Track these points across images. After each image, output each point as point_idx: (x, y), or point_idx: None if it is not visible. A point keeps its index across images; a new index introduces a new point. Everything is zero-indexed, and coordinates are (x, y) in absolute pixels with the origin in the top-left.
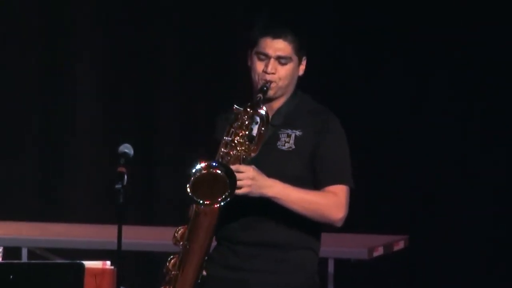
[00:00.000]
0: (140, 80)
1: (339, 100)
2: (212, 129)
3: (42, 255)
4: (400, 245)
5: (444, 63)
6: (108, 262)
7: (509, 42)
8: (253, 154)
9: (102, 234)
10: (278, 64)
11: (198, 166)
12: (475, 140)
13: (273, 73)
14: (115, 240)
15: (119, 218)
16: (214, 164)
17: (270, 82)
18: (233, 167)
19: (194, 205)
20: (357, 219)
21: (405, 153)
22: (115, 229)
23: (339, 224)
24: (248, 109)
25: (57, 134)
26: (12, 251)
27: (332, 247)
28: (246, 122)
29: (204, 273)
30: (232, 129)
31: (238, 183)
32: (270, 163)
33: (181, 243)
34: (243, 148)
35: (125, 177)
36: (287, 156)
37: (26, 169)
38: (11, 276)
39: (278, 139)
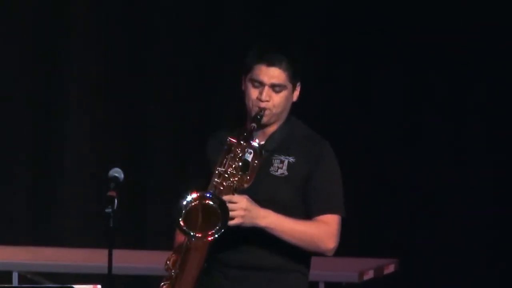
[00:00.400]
0: (130, 104)
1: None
2: (203, 148)
3: (33, 279)
4: (391, 268)
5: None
6: (99, 286)
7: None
8: (246, 185)
9: (93, 258)
10: (272, 91)
11: (189, 197)
12: (462, 160)
13: (267, 101)
14: (106, 264)
15: (110, 242)
16: (206, 195)
17: (264, 109)
18: (226, 197)
19: (185, 237)
20: (348, 242)
21: (396, 176)
22: (105, 253)
23: (330, 254)
24: (242, 142)
25: (48, 159)
26: (3, 275)
27: (323, 271)
28: (240, 154)
29: None
30: (225, 160)
31: (231, 213)
32: (262, 188)
33: (173, 270)
34: (236, 179)
35: (116, 201)
36: (279, 182)
37: (17, 193)
38: None
39: (271, 164)
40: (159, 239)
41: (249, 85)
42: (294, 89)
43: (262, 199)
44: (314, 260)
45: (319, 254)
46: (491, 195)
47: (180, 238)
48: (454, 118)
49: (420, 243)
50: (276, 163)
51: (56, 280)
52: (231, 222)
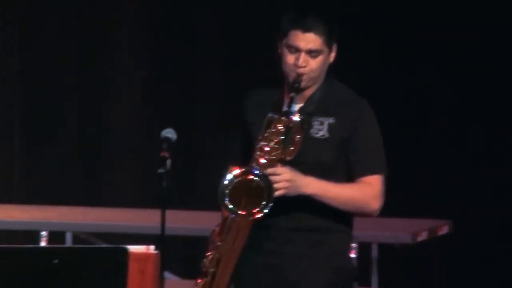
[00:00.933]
0: (183, 66)
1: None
2: (242, 112)
3: (86, 239)
4: (444, 229)
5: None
6: (152, 247)
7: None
8: (289, 158)
9: (146, 218)
10: (309, 56)
11: (232, 174)
12: None
13: (304, 66)
14: (159, 225)
15: (162, 203)
16: (251, 170)
17: (302, 75)
18: (270, 170)
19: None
20: (401, 203)
21: (449, 137)
22: (158, 213)
23: (375, 214)
24: (282, 118)
25: (100, 119)
26: (56, 236)
27: (376, 232)
28: (281, 129)
29: None
30: (267, 135)
31: (275, 185)
32: (303, 151)
33: (218, 243)
34: (278, 152)
35: (168, 161)
36: (320, 144)
37: (69, 154)
38: (55, 260)
39: (311, 127)
40: (211, 199)
41: (286, 51)
42: (330, 51)
43: (304, 162)
44: (367, 221)
45: (365, 215)
46: None
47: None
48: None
49: (474, 204)
50: (316, 125)
51: (109, 240)
52: (276, 193)
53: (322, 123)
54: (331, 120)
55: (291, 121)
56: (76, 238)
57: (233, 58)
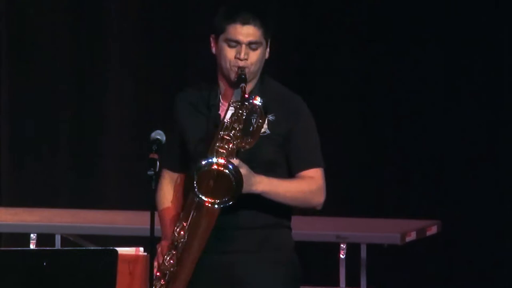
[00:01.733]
0: (173, 66)
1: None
2: (172, 109)
3: (75, 241)
4: (433, 230)
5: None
6: (141, 249)
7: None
8: (247, 147)
9: (135, 220)
10: (249, 49)
11: (211, 160)
12: (506, 130)
13: (245, 59)
14: (148, 227)
15: (152, 205)
16: (229, 166)
17: (244, 68)
18: (236, 163)
19: (195, 199)
20: (390, 204)
21: (439, 138)
22: (147, 215)
23: (319, 208)
24: (246, 103)
25: (90, 121)
26: (45, 238)
27: (364, 232)
28: (244, 116)
29: None
30: (227, 124)
31: None
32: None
33: (180, 240)
34: (238, 141)
35: (158, 163)
36: (261, 141)
37: (59, 157)
38: (44, 263)
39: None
40: None
41: (224, 46)
42: (267, 45)
43: (245, 159)
44: (355, 222)
45: (309, 209)
46: None
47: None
48: (488, 101)
49: (463, 204)
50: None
51: (98, 242)
52: None
53: None
54: (270, 117)
55: (254, 105)
56: (65, 240)
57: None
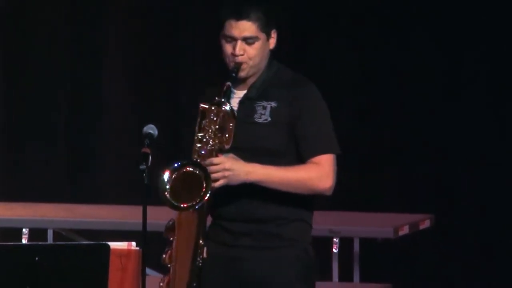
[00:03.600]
0: (167, 61)
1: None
2: (199, 101)
3: (68, 236)
4: (426, 224)
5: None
6: (134, 243)
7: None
8: (227, 146)
9: (127, 215)
10: (245, 44)
11: (168, 171)
12: (506, 121)
13: (241, 55)
14: (140, 221)
15: (144, 199)
16: (184, 162)
17: (240, 63)
18: (207, 161)
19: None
20: (383, 198)
21: (433, 132)
22: (140, 210)
23: (328, 193)
24: (213, 108)
25: (84, 116)
26: (38, 233)
27: (357, 226)
28: (214, 118)
29: (205, 255)
30: (202, 125)
31: (214, 175)
32: (249, 137)
33: (171, 238)
34: (216, 141)
35: (150, 157)
36: (264, 129)
37: (53, 151)
38: (36, 258)
39: (255, 112)
40: None
41: (223, 41)
42: (269, 37)
43: (248, 149)
44: (349, 216)
45: (319, 195)
46: None
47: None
48: (483, 98)
49: (456, 198)
50: (259, 110)
51: (91, 237)
52: (215, 184)
53: (264, 108)
54: (273, 104)
55: (221, 110)
56: (57, 235)
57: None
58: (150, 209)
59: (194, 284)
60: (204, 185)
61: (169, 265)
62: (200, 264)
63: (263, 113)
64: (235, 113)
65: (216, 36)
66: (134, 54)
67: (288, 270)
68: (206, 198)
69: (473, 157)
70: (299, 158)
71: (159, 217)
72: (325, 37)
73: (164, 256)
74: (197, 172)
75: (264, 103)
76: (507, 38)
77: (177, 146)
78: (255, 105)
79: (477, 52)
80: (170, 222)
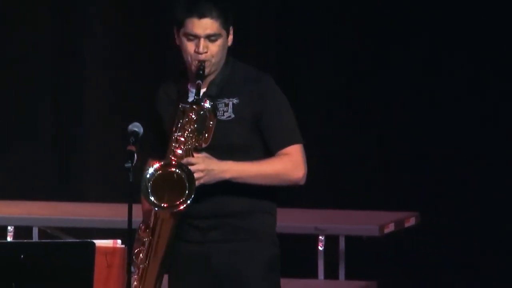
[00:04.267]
0: (151, 59)
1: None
2: (153, 104)
3: (53, 234)
4: (411, 221)
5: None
6: (119, 241)
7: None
8: (204, 145)
9: (113, 213)
10: (208, 42)
11: (152, 169)
12: (487, 118)
13: (205, 52)
14: (126, 219)
15: (129, 197)
16: (168, 163)
17: (204, 61)
18: (183, 161)
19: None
20: (368, 196)
21: (417, 130)
22: (125, 208)
23: (302, 183)
24: (194, 106)
25: (69, 114)
26: (23, 231)
27: (343, 224)
28: (194, 118)
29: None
30: (180, 125)
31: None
32: (215, 135)
33: (145, 238)
34: (193, 141)
35: (135, 156)
36: (228, 126)
37: (38, 149)
38: (21, 256)
39: (217, 109)
40: None
41: (184, 40)
42: (228, 34)
43: (216, 146)
44: (334, 214)
45: (293, 186)
46: (503, 171)
47: (147, 205)
48: (466, 96)
49: (441, 196)
50: (221, 107)
51: (76, 235)
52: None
53: (227, 105)
54: (235, 100)
55: (202, 108)
56: (42, 232)
57: None
58: (136, 207)
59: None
60: (187, 189)
61: (140, 266)
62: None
63: (226, 110)
64: (216, 111)
65: None
66: (118, 51)
67: (256, 262)
68: (188, 202)
69: (458, 155)
70: (266, 151)
71: None
72: (307, 36)
73: (134, 257)
74: (181, 173)
75: (226, 100)
76: (502, 39)
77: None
78: (217, 103)
79: (458, 48)
80: (144, 223)
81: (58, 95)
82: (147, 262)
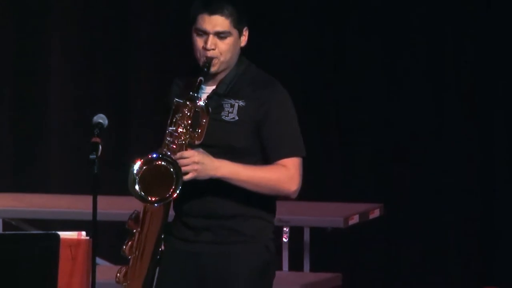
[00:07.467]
0: (115, 50)
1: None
2: (166, 98)
3: (17, 225)
4: (376, 213)
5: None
6: (84, 233)
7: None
8: (197, 142)
9: (78, 204)
10: (217, 39)
11: (138, 163)
12: (450, 107)
13: (213, 49)
14: (90, 211)
15: (94, 189)
16: (155, 156)
17: (211, 58)
18: (177, 154)
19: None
20: (333, 188)
21: (380, 122)
22: (90, 199)
23: (293, 196)
24: (188, 103)
25: (31, 104)
26: None
27: (307, 216)
28: (188, 114)
29: (162, 247)
30: (175, 119)
31: (183, 168)
32: (215, 134)
33: (134, 230)
34: (187, 136)
35: (100, 147)
36: (230, 128)
37: (1, 139)
38: None
39: (222, 109)
40: None
41: (195, 35)
42: (240, 34)
43: (215, 145)
44: (299, 206)
45: (283, 197)
46: (466, 162)
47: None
48: (428, 85)
49: (405, 187)
50: (226, 107)
51: (41, 226)
52: (185, 177)
53: (232, 106)
54: (241, 103)
55: (196, 105)
56: (7, 224)
57: (167, 44)
58: (100, 199)
59: (151, 277)
60: (174, 181)
61: (129, 257)
62: (159, 257)
63: (231, 111)
64: (209, 109)
65: (165, 26)
66: (81, 43)
67: (246, 265)
68: (175, 195)
69: (421, 146)
70: (265, 158)
71: (109, 207)
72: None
73: (124, 247)
74: (169, 167)
75: (232, 101)
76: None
77: (126, 136)
78: (223, 102)
79: (422, 42)
80: (134, 214)
81: (19, 84)
82: (137, 254)
